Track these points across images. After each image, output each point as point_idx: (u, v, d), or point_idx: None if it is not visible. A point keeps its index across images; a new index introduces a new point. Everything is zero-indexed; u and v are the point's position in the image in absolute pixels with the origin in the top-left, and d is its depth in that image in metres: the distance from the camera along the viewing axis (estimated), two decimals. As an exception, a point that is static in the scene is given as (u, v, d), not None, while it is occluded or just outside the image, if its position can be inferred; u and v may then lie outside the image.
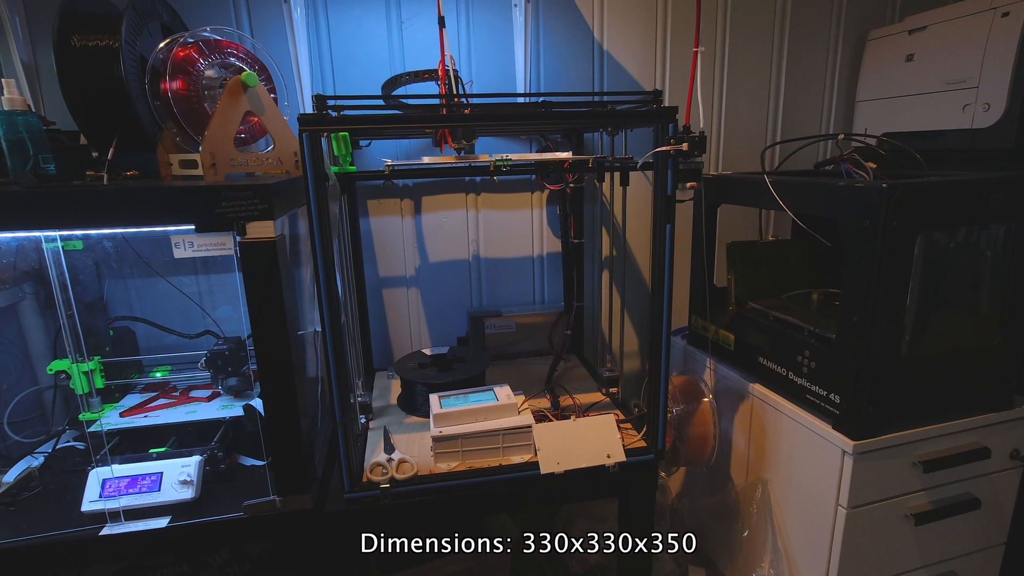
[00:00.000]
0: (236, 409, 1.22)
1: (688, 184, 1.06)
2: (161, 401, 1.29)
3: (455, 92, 1.12)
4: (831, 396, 1.10)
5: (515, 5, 1.46)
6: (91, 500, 0.99)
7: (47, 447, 1.19)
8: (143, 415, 1.22)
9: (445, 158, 1.15)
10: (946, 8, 1.46)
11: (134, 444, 1.19)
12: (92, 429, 1.16)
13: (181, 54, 1.06)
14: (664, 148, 1.02)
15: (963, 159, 1.42)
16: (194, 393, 1.33)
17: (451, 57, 1.11)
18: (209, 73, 1.08)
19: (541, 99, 1.36)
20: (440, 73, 1.11)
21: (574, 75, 1.57)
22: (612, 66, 1.58)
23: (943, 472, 1.12)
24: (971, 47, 1.38)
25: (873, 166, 1.14)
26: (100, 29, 1.04)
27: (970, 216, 1.07)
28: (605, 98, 1.43)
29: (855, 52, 1.72)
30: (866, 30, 1.69)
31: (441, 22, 1.07)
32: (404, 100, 1.27)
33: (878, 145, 1.52)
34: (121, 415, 1.22)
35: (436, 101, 1.21)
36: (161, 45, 1.07)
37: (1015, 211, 1.06)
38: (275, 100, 1.15)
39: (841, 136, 1.35)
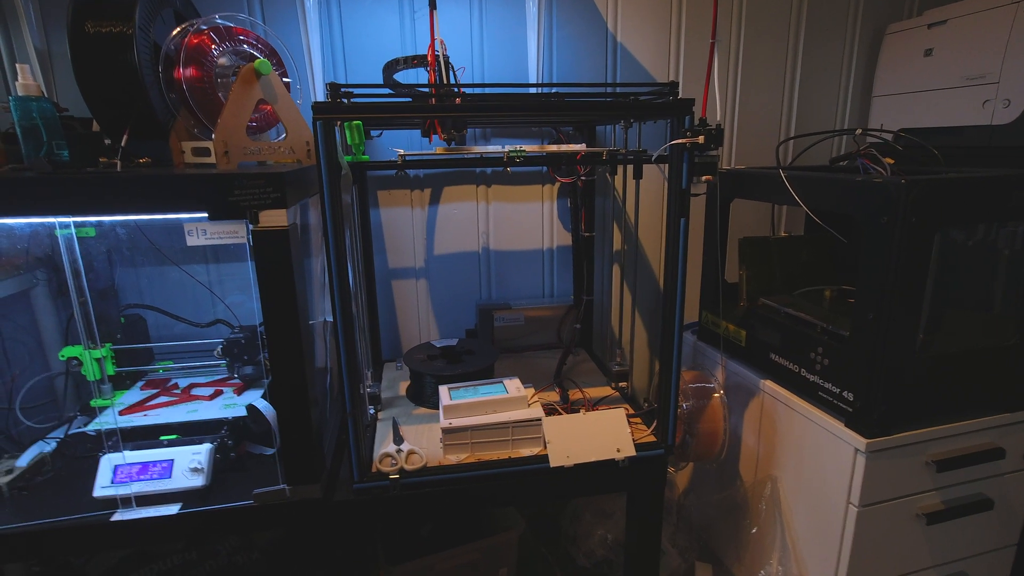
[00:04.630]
0: (239, 409, 1.20)
1: (703, 177, 1.05)
2: (161, 399, 1.27)
3: (444, 79, 1.10)
4: (844, 394, 1.09)
5: (529, -5, 1.44)
6: (103, 486, 1.00)
7: (59, 433, 1.19)
8: (142, 414, 1.21)
9: (459, 148, 1.15)
10: (967, 2, 1.43)
11: (144, 431, 1.19)
12: (90, 428, 1.15)
13: (194, 41, 1.05)
14: (680, 140, 1.00)
15: (982, 156, 1.40)
16: (196, 391, 1.31)
17: (442, 42, 1.08)
18: (222, 61, 1.08)
19: (554, 90, 1.35)
20: (429, 59, 1.08)
21: (587, 67, 1.55)
22: (626, 58, 1.57)
23: (956, 472, 1.11)
24: (992, 42, 1.35)
25: (891, 162, 1.12)
26: (114, 15, 1.03)
27: (990, 214, 1.06)
28: (619, 90, 1.42)
29: (872, 46, 1.70)
30: (884, 24, 1.66)
31: (432, 4, 1.04)
32: (417, 88, 1.26)
33: (895, 141, 1.49)
34: (120, 414, 1.20)
35: (427, 89, 1.17)
36: (174, 32, 1.06)
37: (1037, 209, 1.04)
38: (288, 88, 1.14)
39: (858, 131, 1.33)
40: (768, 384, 1.27)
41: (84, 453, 1.14)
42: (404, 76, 1.25)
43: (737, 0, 1.59)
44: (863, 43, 1.70)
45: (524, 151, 1.04)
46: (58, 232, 0.96)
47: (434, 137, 1.11)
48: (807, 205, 1.13)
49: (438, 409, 1.13)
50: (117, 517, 0.97)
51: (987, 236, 1.15)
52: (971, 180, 1.01)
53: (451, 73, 1.13)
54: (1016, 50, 1.30)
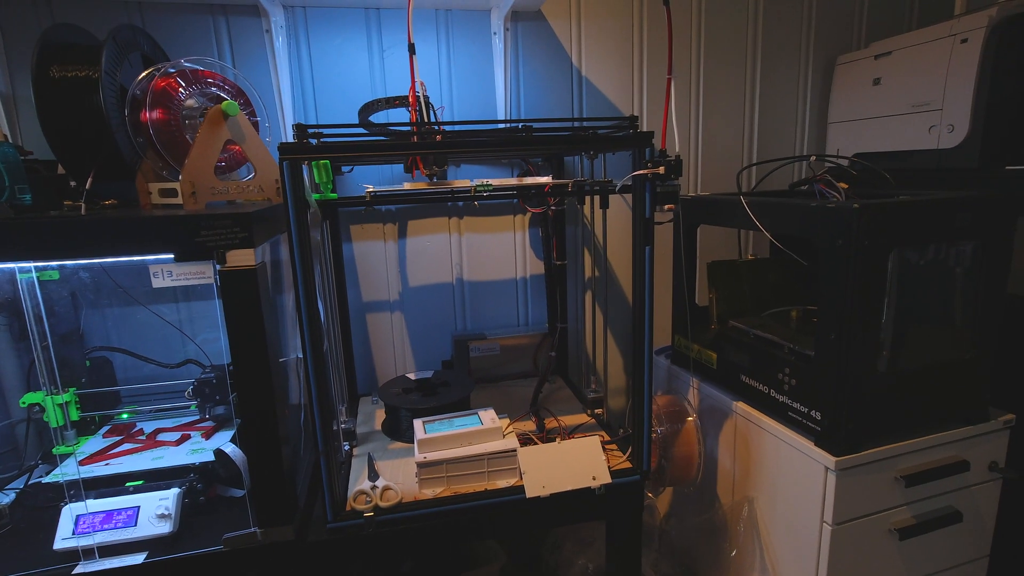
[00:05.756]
0: (207, 453, 1.16)
1: (666, 206, 1.08)
2: (125, 447, 1.22)
3: (426, 118, 1.13)
4: (812, 413, 1.11)
5: (495, 33, 1.49)
6: (64, 537, 0.96)
7: (19, 483, 1.15)
8: (104, 463, 1.16)
9: (426, 184, 1.16)
10: (909, 35, 1.52)
11: (107, 480, 1.15)
12: (48, 480, 1.10)
13: (161, 84, 1.06)
14: (641, 172, 1.04)
15: (931, 178, 1.47)
16: (162, 436, 1.26)
17: (422, 83, 1.12)
18: (190, 103, 1.09)
19: (521, 125, 1.38)
20: (410, 100, 1.12)
21: (554, 101, 1.60)
22: (591, 92, 1.62)
23: (924, 486, 1.13)
24: (934, 71, 1.43)
25: (844, 186, 1.17)
26: (80, 60, 1.04)
27: (939, 234, 1.10)
28: (585, 123, 1.46)
29: (825, 76, 1.78)
30: (834, 55, 1.75)
31: (411, 49, 1.08)
32: (390, 127, 1.28)
33: (850, 165, 1.56)
34: (81, 463, 1.15)
35: (409, 128, 1.20)
36: (141, 76, 1.07)
37: (981, 229, 1.09)
38: (257, 128, 1.15)
39: (813, 158, 1.38)
40: (740, 406, 1.29)
41: (45, 503, 1.10)
42: (378, 114, 1.28)
43: (696, 35, 1.67)
44: (816, 73, 1.78)
45: (490, 184, 1.06)
46: (19, 276, 0.94)
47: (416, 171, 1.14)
48: (768, 229, 1.17)
49: (413, 443, 1.13)
50: (79, 570, 0.94)
51: (939, 255, 1.20)
52: (918, 203, 1.05)
53: (431, 112, 1.16)
54: (956, 79, 1.38)
